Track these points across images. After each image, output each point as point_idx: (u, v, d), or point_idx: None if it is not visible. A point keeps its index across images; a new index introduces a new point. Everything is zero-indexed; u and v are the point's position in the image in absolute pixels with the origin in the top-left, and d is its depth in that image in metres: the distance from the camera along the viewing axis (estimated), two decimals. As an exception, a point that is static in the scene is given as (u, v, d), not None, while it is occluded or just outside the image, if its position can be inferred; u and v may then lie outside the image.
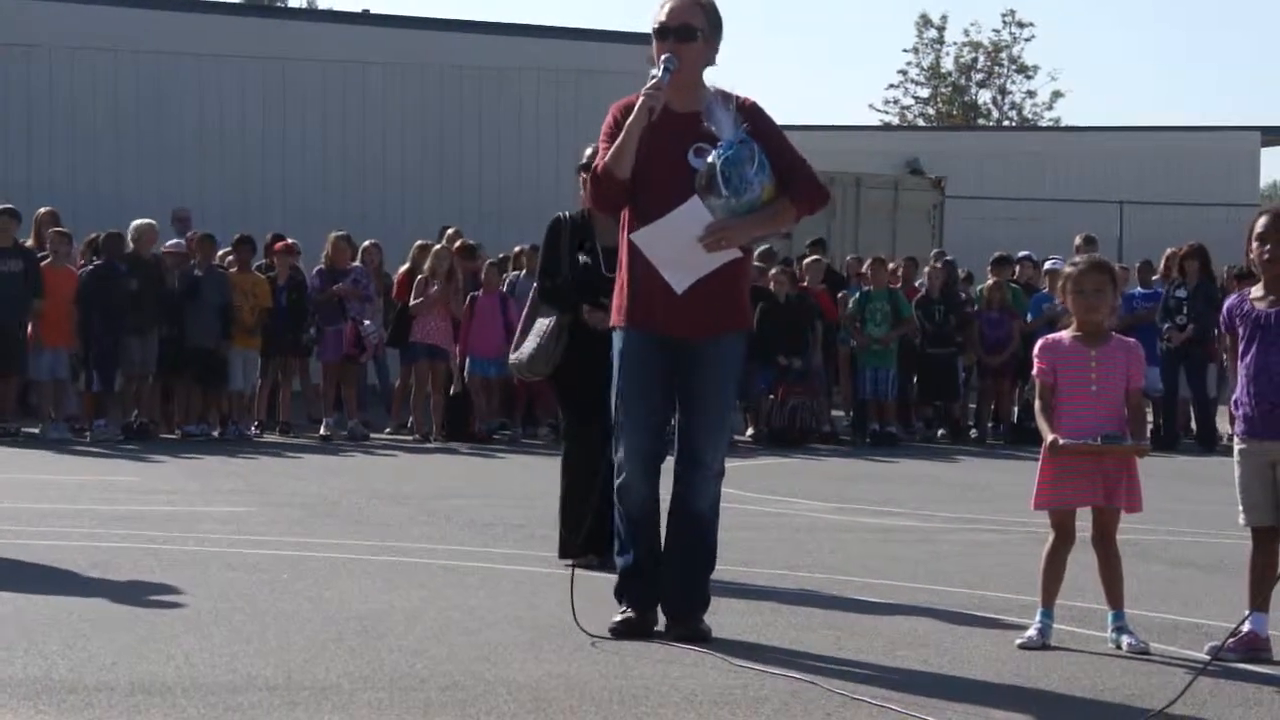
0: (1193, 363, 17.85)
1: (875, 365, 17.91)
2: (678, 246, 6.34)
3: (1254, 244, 6.44)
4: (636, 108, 6.34)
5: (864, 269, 18.84)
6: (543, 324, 8.49)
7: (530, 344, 8.52)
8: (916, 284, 18.94)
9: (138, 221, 16.61)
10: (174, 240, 17.29)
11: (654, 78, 6.36)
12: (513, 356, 8.73)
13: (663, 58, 6.39)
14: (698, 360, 6.48)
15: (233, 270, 16.80)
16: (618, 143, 6.38)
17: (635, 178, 6.40)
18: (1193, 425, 18.58)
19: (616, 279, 6.65)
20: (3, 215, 15.77)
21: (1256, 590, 6.47)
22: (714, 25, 6.53)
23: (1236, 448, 6.57)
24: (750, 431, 17.78)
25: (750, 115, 6.40)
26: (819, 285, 18.49)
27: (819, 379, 18.07)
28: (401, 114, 24.28)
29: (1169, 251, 19.26)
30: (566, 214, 8.55)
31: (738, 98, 6.45)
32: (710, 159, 6.26)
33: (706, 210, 6.27)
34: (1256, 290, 6.51)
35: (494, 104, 24.51)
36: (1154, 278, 19.00)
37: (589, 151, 8.08)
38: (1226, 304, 6.67)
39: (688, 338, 6.46)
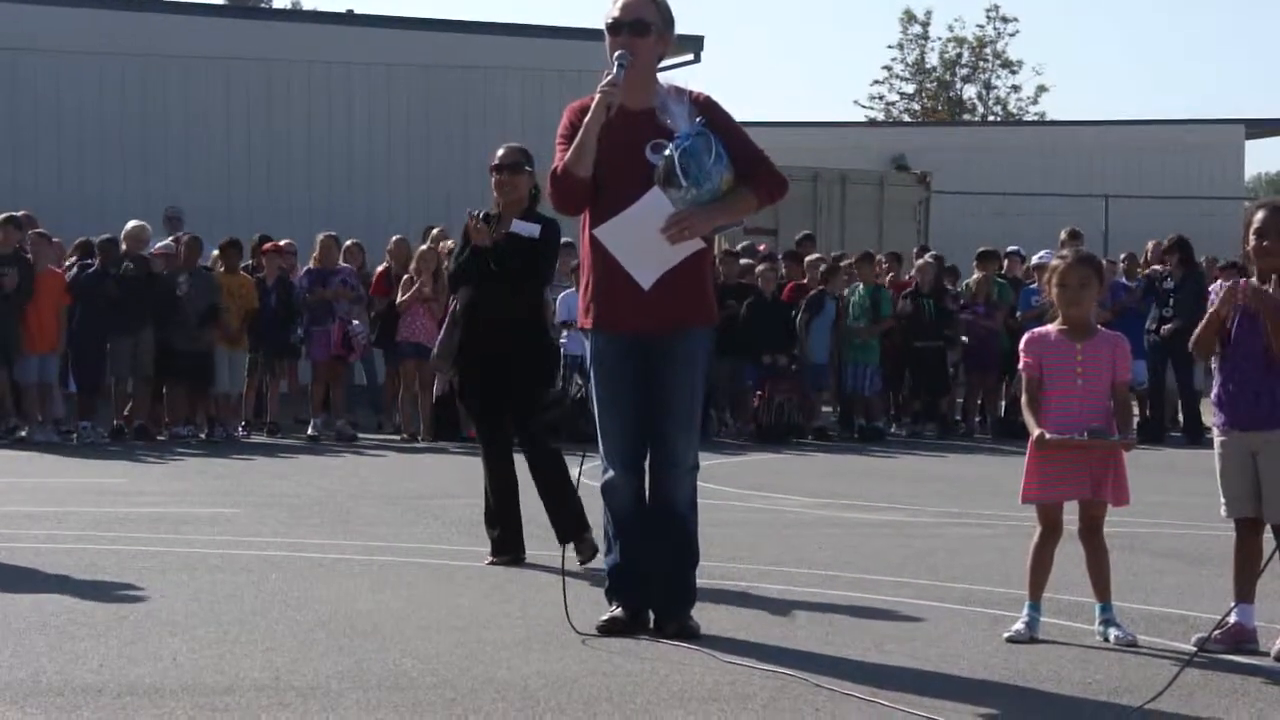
0: (1180, 355, 17.82)
1: (857, 361, 17.94)
2: (640, 240, 6.32)
3: (1251, 238, 6.40)
4: (593, 105, 6.34)
5: (844, 264, 18.83)
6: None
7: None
8: (906, 277, 18.96)
9: (131, 224, 16.60)
10: (163, 242, 17.26)
11: (609, 74, 6.36)
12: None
13: (616, 54, 6.39)
14: (666, 356, 6.46)
15: (220, 272, 16.79)
16: (576, 141, 6.36)
17: (593, 178, 6.39)
18: (1179, 417, 18.62)
19: (580, 281, 6.66)
20: (6, 224, 15.76)
21: (1241, 581, 6.49)
22: (666, 20, 6.53)
23: (1217, 439, 6.57)
24: (734, 426, 17.78)
25: (705, 109, 6.40)
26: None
27: (824, 376, 18.09)
28: (387, 114, 24.24)
29: (1151, 244, 19.28)
30: (476, 211, 8.66)
31: (691, 92, 6.46)
32: (668, 151, 6.23)
33: (668, 201, 6.25)
34: (1253, 283, 6.47)
35: (479, 104, 24.47)
36: (1138, 269, 19.05)
37: (500, 153, 8.33)
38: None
39: (656, 334, 6.45)
